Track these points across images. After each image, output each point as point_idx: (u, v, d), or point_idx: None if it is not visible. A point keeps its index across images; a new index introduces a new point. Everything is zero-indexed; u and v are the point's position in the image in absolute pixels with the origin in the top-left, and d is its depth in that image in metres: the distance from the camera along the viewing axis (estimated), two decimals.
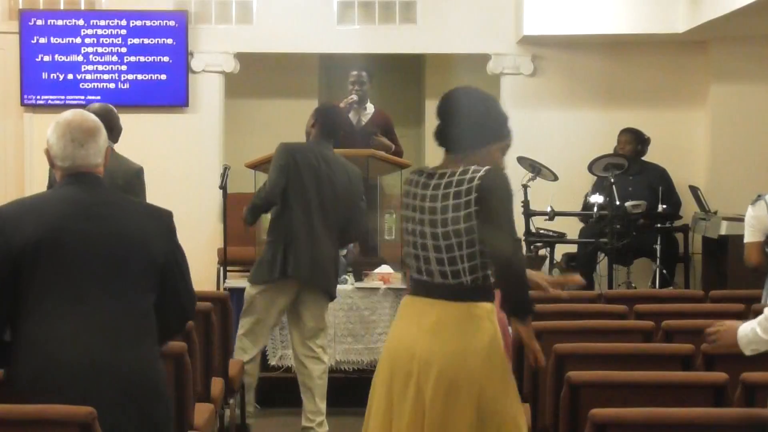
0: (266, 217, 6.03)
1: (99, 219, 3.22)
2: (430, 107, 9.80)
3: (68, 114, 3.34)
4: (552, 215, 7.57)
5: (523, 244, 7.74)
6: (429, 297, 3.44)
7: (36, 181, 7.80)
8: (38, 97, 8.46)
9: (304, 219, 5.66)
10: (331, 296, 5.84)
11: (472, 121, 3.49)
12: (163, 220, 3.32)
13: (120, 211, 3.28)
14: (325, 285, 5.76)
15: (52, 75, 8.44)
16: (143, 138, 8.25)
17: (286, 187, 5.66)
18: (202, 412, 4.40)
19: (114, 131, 5.71)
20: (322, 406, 5.79)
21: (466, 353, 3.38)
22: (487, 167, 3.41)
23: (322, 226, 5.68)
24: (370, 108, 7.78)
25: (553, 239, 7.67)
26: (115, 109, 5.79)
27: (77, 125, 3.29)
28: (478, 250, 3.39)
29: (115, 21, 8.46)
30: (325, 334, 5.88)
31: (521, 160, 7.73)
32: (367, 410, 3.55)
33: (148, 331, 3.23)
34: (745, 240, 5.05)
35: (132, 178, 5.56)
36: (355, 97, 7.63)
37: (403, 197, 3.52)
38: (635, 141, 8.22)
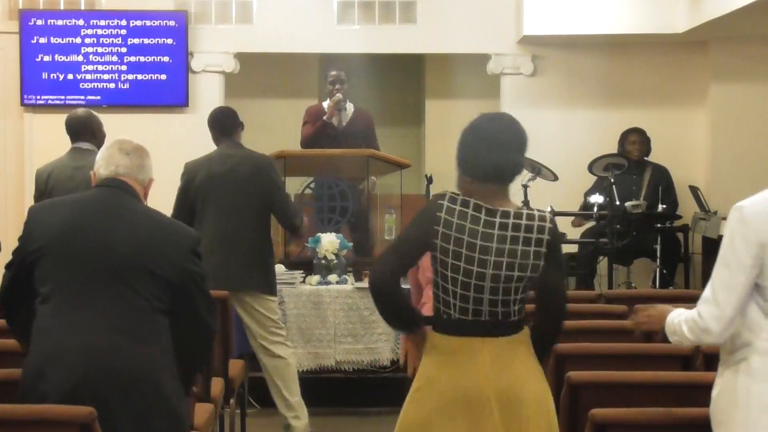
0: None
1: (114, 221, 3.29)
2: (430, 107, 9.80)
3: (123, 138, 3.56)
4: (552, 215, 7.56)
5: None
6: (474, 336, 3.25)
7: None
8: (38, 97, 8.45)
9: (214, 228, 5.66)
10: (260, 289, 5.70)
11: (521, 152, 3.42)
12: (186, 238, 3.39)
13: (143, 219, 3.34)
14: (242, 284, 5.65)
15: (52, 75, 8.44)
16: (143, 138, 8.18)
17: (194, 204, 5.73)
18: (202, 412, 4.40)
19: (98, 136, 5.80)
20: (294, 399, 5.76)
21: (528, 380, 3.29)
22: (545, 213, 3.35)
23: (234, 228, 5.66)
24: (350, 108, 7.70)
25: None
26: (97, 115, 5.87)
27: (126, 141, 3.51)
28: (528, 293, 3.31)
29: (115, 21, 8.45)
30: (275, 328, 5.77)
31: None
32: None
33: (155, 338, 3.25)
34: None
35: None
36: (340, 95, 7.55)
37: (442, 227, 3.23)
38: (646, 140, 8.25)
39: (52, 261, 3.22)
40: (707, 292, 3.02)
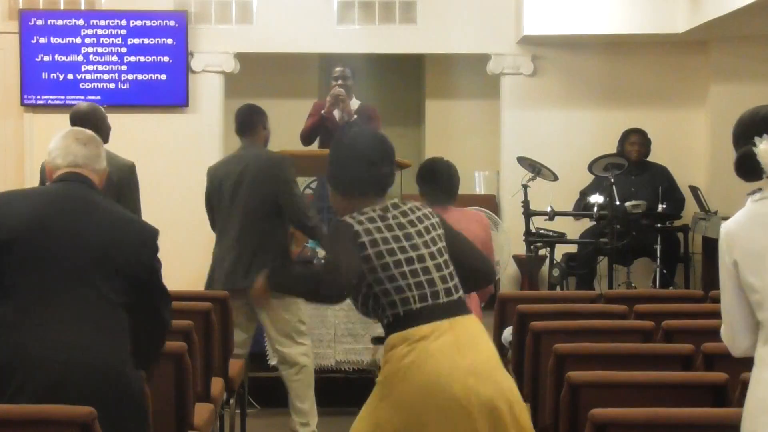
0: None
1: (82, 217, 3.29)
2: (430, 107, 9.82)
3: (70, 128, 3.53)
4: (552, 215, 7.57)
5: (523, 244, 7.76)
6: (442, 318, 3.31)
7: (36, 181, 7.79)
8: (38, 97, 8.46)
9: (229, 230, 5.71)
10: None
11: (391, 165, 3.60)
12: (146, 234, 3.41)
13: (103, 215, 3.34)
14: (251, 284, 5.56)
15: (52, 75, 8.44)
16: (143, 138, 8.26)
17: (215, 207, 5.80)
18: (202, 412, 4.40)
19: (102, 131, 5.77)
20: (303, 406, 5.74)
21: (495, 359, 3.35)
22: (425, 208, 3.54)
23: (247, 229, 5.66)
24: (355, 104, 7.63)
25: (553, 239, 7.67)
26: (102, 108, 5.83)
27: (79, 130, 3.47)
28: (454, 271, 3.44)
29: (115, 21, 8.46)
30: (296, 334, 5.75)
31: (521, 160, 7.73)
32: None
33: (118, 332, 3.26)
34: None
35: (126, 174, 5.63)
36: (340, 90, 7.45)
37: (369, 237, 3.32)
38: (646, 141, 8.25)
39: (16, 255, 3.19)
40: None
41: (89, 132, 3.47)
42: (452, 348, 3.27)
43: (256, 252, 5.65)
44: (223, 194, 5.75)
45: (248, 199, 5.68)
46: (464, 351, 3.27)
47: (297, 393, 5.75)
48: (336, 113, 7.49)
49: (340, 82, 7.51)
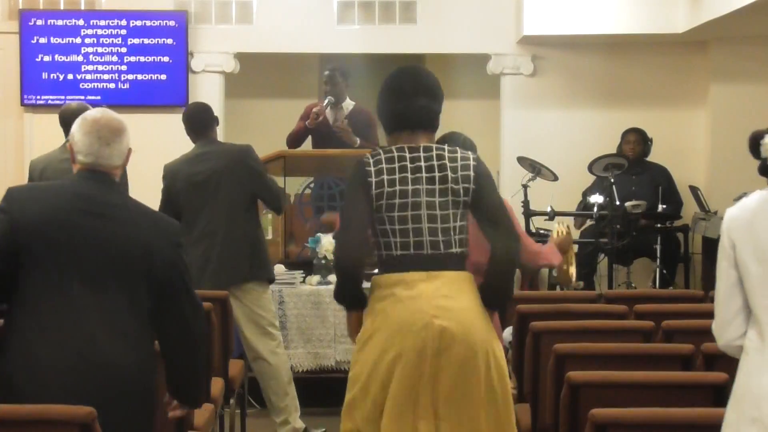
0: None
1: (103, 218, 3.22)
2: None
3: (96, 112, 3.38)
4: (552, 215, 7.57)
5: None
6: (422, 269, 3.31)
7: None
8: (38, 97, 8.46)
9: (202, 228, 5.60)
10: (253, 278, 5.60)
11: (438, 100, 3.50)
12: (170, 231, 3.31)
13: (126, 214, 3.27)
14: (230, 278, 5.56)
15: (52, 75, 8.44)
16: (143, 138, 8.23)
17: (178, 207, 5.60)
18: (202, 412, 4.40)
19: None
20: (282, 404, 5.68)
21: (479, 316, 3.35)
22: (472, 154, 3.44)
23: (222, 224, 5.57)
24: (349, 105, 7.56)
25: None
26: (91, 107, 5.82)
27: (105, 123, 3.33)
28: (466, 226, 3.37)
29: (115, 21, 8.46)
30: (270, 328, 5.69)
31: (521, 160, 7.73)
32: (369, 393, 3.40)
33: (139, 335, 3.20)
34: None
35: None
36: (331, 99, 7.42)
37: (376, 176, 3.31)
38: (643, 141, 8.25)
39: (34, 256, 3.13)
40: None
41: (114, 124, 3.34)
42: (421, 297, 3.27)
43: (236, 245, 5.57)
44: (196, 193, 5.61)
45: (230, 195, 5.58)
46: (434, 300, 3.26)
47: (275, 389, 5.67)
48: (329, 114, 7.47)
49: (329, 87, 7.47)
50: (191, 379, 3.39)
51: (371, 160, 3.35)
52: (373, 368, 3.35)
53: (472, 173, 3.37)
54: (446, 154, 3.38)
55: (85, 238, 3.18)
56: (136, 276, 3.19)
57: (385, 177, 3.31)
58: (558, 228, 5.01)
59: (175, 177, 5.70)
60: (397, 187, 3.31)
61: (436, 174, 3.34)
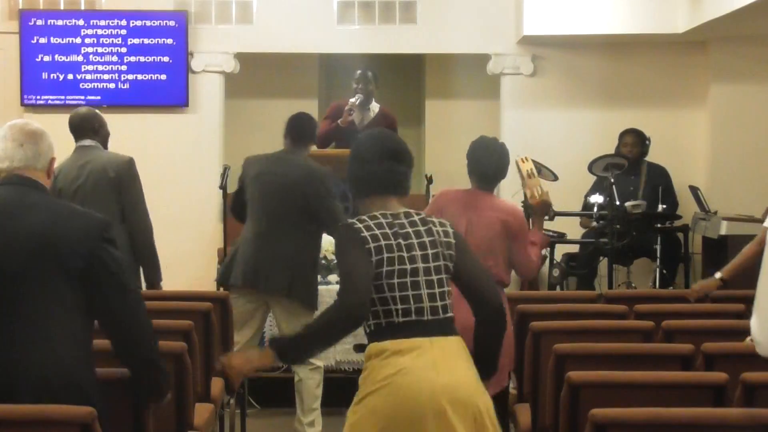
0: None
1: (16, 219, 3.19)
2: (430, 107, 9.80)
3: (14, 121, 3.40)
4: (552, 215, 7.56)
5: None
6: (423, 336, 3.31)
7: None
8: (38, 97, 8.46)
9: (255, 226, 5.67)
10: (302, 302, 5.60)
11: (408, 164, 3.54)
12: (93, 224, 3.25)
13: (42, 211, 3.23)
14: (281, 289, 5.59)
15: (52, 75, 8.44)
16: (143, 138, 8.26)
17: (245, 199, 5.74)
18: (202, 412, 4.41)
19: (101, 135, 5.81)
20: (314, 405, 5.75)
21: (472, 383, 3.34)
22: (448, 222, 3.51)
23: (274, 230, 5.61)
24: (375, 107, 7.72)
25: (553, 239, 7.67)
26: (100, 113, 5.86)
27: (19, 128, 3.34)
28: (449, 291, 3.41)
29: (115, 21, 8.46)
30: None
31: None
32: None
33: (68, 332, 3.16)
34: None
35: (123, 169, 5.67)
36: (361, 96, 7.56)
37: (373, 241, 3.32)
38: (641, 142, 8.24)
39: None
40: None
41: (27, 128, 3.33)
42: (430, 367, 3.26)
43: (283, 257, 5.59)
44: (255, 190, 5.70)
45: (285, 203, 5.62)
46: (441, 370, 3.26)
47: (309, 392, 5.73)
48: (355, 116, 7.55)
49: (361, 86, 7.57)
50: (144, 371, 3.31)
51: (361, 226, 3.35)
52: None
53: (452, 240, 3.42)
54: (426, 218, 3.45)
55: (9, 240, 3.15)
56: (55, 272, 3.15)
57: (383, 243, 3.33)
58: (532, 191, 4.96)
59: (249, 168, 5.81)
60: (395, 254, 3.33)
61: (426, 239, 3.38)
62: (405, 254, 3.34)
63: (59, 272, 3.16)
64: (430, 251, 3.37)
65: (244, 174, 5.83)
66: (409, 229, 3.38)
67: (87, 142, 5.76)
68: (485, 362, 3.45)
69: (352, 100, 7.60)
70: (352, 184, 3.52)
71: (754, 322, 3.00)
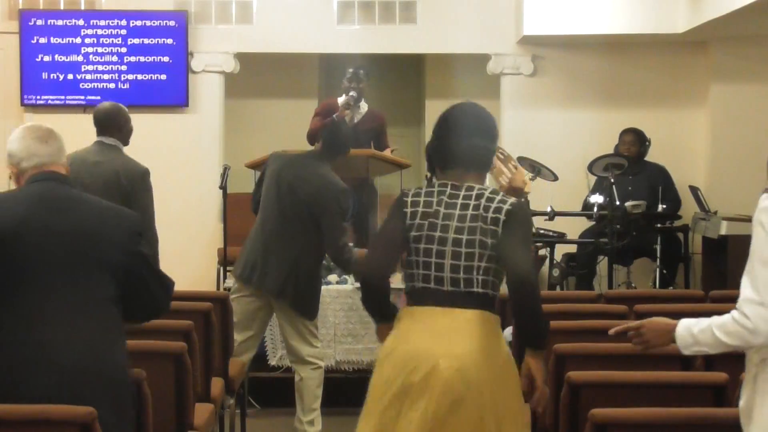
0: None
1: (60, 213, 3.26)
2: (430, 107, 9.81)
3: (25, 124, 3.52)
4: (552, 215, 7.57)
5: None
6: (439, 305, 3.35)
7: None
8: (38, 97, 8.46)
9: (262, 222, 5.68)
10: (293, 306, 5.62)
11: (493, 140, 3.56)
12: (127, 220, 3.36)
13: (81, 206, 3.32)
14: (273, 289, 5.59)
15: (52, 75, 8.44)
16: (143, 138, 8.23)
17: (262, 192, 5.77)
18: (202, 412, 4.41)
19: (123, 131, 5.74)
20: (312, 404, 5.75)
21: (486, 356, 3.32)
22: (510, 197, 3.45)
23: (281, 232, 5.62)
24: (364, 107, 7.68)
25: (553, 239, 7.67)
26: (125, 108, 5.80)
27: (35, 127, 3.46)
28: (493, 268, 3.37)
29: (115, 21, 8.46)
30: (310, 337, 5.74)
31: (521, 160, 7.71)
32: (367, 413, 3.40)
33: (113, 331, 3.24)
34: None
35: (136, 180, 5.59)
36: (354, 94, 7.53)
37: (412, 206, 3.41)
38: (639, 141, 8.24)
39: (5, 259, 3.17)
40: (749, 293, 2.89)
41: (45, 126, 3.45)
42: (432, 335, 3.30)
43: (287, 261, 5.59)
44: (274, 186, 5.68)
45: (298, 209, 5.61)
46: (443, 341, 3.29)
47: (310, 392, 5.74)
48: (347, 114, 7.53)
49: (354, 84, 7.54)
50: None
51: (411, 192, 3.46)
52: (381, 393, 3.37)
53: (502, 216, 3.37)
54: (486, 194, 3.41)
55: (44, 236, 3.21)
56: (102, 266, 3.23)
57: (420, 209, 3.40)
58: (513, 174, 4.83)
59: (271, 162, 5.80)
60: (428, 220, 3.38)
61: (469, 212, 3.37)
62: (439, 222, 3.38)
63: (100, 265, 3.23)
64: (468, 224, 3.36)
65: (266, 166, 5.84)
66: (458, 201, 3.40)
67: (109, 140, 5.67)
68: (520, 331, 3.60)
69: (345, 97, 7.54)
70: (436, 152, 3.53)
71: (754, 313, 2.97)
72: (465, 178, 3.46)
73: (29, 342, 3.13)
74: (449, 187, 3.43)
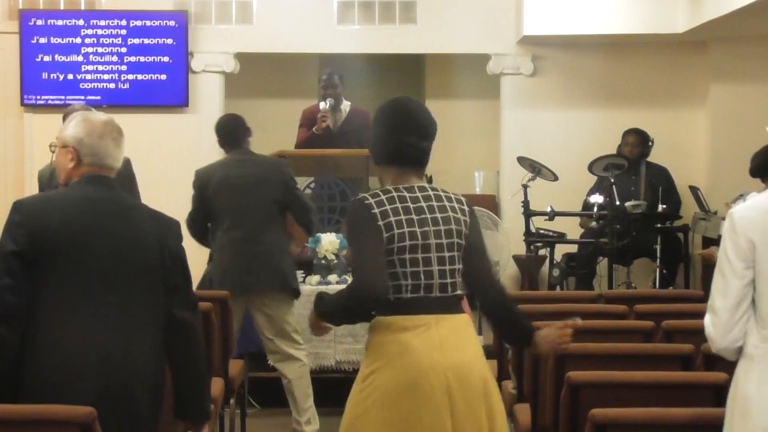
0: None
1: (117, 219, 3.27)
2: (430, 107, 9.59)
3: (100, 115, 3.45)
4: (552, 215, 7.57)
5: (523, 244, 7.76)
6: (430, 313, 3.31)
7: (36, 181, 7.80)
8: (38, 97, 8.46)
9: (235, 233, 5.70)
10: (286, 290, 5.74)
11: (430, 138, 3.47)
12: (175, 227, 3.39)
13: (135, 213, 3.34)
14: (273, 285, 5.68)
15: (52, 75, 8.44)
16: (143, 138, 8.26)
17: (211, 210, 5.74)
18: None
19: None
20: (307, 404, 5.79)
21: (477, 360, 3.36)
22: (461, 197, 3.47)
23: (254, 231, 5.67)
24: (346, 106, 7.65)
25: (553, 239, 7.67)
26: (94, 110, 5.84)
27: (114, 125, 3.43)
28: (459, 268, 3.38)
29: (115, 21, 8.46)
30: (293, 334, 5.80)
31: (521, 160, 7.73)
32: None
33: (156, 332, 3.26)
34: None
35: (121, 169, 5.61)
36: (332, 100, 7.51)
37: (383, 218, 3.29)
38: (642, 142, 8.24)
39: (56, 262, 3.16)
40: (709, 301, 3.02)
41: (117, 125, 3.44)
42: (436, 346, 3.28)
43: (268, 254, 5.67)
44: (230, 195, 5.71)
45: (257, 201, 5.69)
46: (446, 350, 3.28)
47: (301, 391, 5.76)
48: (329, 120, 7.52)
49: (330, 91, 7.53)
50: (196, 383, 3.40)
51: (373, 202, 3.32)
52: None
53: (467, 218, 3.39)
54: (441, 194, 3.41)
55: (103, 239, 3.22)
56: (153, 271, 3.26)
57: (393, 219, 3.30)
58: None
59: (209, 179, 5.79)
60: (407, 229, 3.30)
61: (438, 215, 3.35)
62: (417, 230, 3.32)
63: (155, 271, 3.25)
64: (443, 227, 3.34)
65: (202, 186, 5.78)
66: (423, 204, 3.35)
67: None
68: (513, 334, 3.52)
69: (323, 104, 7.54)
70: (372, 150, 3.47)
71: (707, 320, 3.04)
72: (406, 178, 3.40)
73: (77, 343, 3.13)
74: (409, 191, 3.36)
